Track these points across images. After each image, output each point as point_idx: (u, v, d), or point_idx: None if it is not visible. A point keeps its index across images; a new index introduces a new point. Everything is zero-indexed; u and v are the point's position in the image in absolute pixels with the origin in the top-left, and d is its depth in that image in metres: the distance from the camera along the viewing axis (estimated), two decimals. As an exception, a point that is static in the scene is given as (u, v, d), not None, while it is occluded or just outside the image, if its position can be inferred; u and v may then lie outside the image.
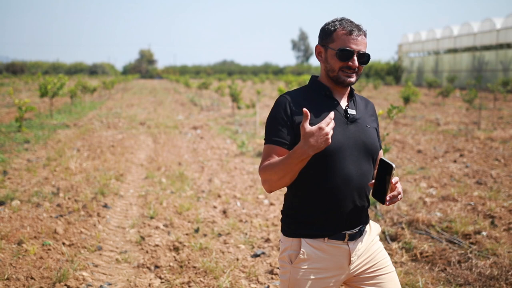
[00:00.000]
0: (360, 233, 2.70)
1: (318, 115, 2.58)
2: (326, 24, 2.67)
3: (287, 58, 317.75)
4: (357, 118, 2.69)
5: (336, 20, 2.64)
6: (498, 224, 6.52)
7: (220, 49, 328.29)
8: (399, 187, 2.53)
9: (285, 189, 8.69)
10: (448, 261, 5.42)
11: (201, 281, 4.93)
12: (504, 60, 43.70)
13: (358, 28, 2.62)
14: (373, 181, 2.52)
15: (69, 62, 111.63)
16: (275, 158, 2.54)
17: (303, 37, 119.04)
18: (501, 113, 22.13)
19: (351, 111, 2.69)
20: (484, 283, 4.83)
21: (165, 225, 6.64)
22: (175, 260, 5.46)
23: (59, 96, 20.05)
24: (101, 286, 4.80)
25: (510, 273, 4.96)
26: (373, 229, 2.83)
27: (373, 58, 78.95)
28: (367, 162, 2.65)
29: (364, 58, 2.62)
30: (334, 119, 2.56)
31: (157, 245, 5.88)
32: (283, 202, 2.69)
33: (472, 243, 5.94)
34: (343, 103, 2.71)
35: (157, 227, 6.55)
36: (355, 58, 2.59)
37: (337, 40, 2.60)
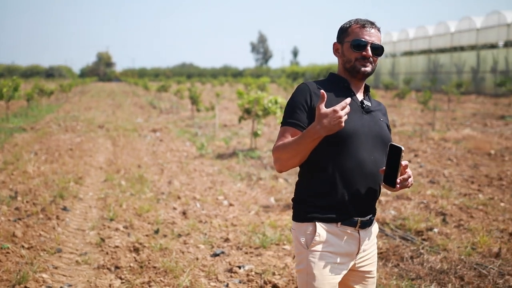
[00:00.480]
0: (371, 222, 2.76)
1: (336, 102, 2.63)
2: (343, 25, 2.83)
3: (246, 60, 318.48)
4: (372, 110, 2.79)
5: (352, 20, 2.81)
6: (449, 221, 6.77)
7: (179, 52, 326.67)
8: (409, 171, 2.60)
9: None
10: (401, 257, 5.62)
11: (161, 280, 5.00)
12: (458, 62, 44.73)
13: (371, 23, 2.78)
14: (384, 168, 2.58)
15: (24, 64, 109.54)
16: (289, 139, 2.62)
17: (262, 39, 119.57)
18: (455, 114, 22.70)
19: (367, 103, 2.80)
20: (434, 277, 5.03)
21: (125, 227, 6.69)
22: (135, 260, 5.52)
23: (15, 99, 19.78)
24: (61, 287, 4.83)
25: (459, 267, 5.18)
26: (374, 228, 2.89)
27: (332, 61, 79.78)
28: (380, 151, 2.72)
29: (378, 50, 2.74)
30: (351, 107, 2.61)
31: (117, 247, 5.93)
32: (294, 191, 2.77)
33: (424, 239, 6.16)
34: (359, 96, 2.81)
35: (117, 229, 6.59)
36: (369, 48, 2.71)
37: (351, 34, 2.75)
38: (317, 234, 2.63)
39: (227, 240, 6.23)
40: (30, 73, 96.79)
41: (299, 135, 2.54)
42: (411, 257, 5.57)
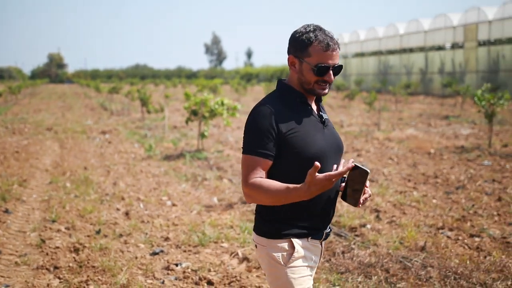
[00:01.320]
0: (330, 232, 2.81)
1: (299, 122, 2.64)
2: (299, 34, 2.66)
3: (200, 62, 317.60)
4: (328, 122, 2.79)
5: (310, 31, 2.63)
6: (383, 218, 7.07)
7: (133, 53, 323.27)
8: (368, 189, 2.62)
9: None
10: (333, 252, 5.87)
11: (99, 279, 5.12)
12: (407, 64, 45.79)
13: (332, 39, 2.63)
14: (343, 184, 2.56)
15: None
16: (265, 180, 2.55)
17: (216, 41, 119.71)
18: (402, 114, 23.30)
19: (324, 115, 2.77)
20: (362, 270, 5.30)
21: (67, 228, 6.76)
22: (75, 260, 5.62)
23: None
24: (-2, 288, 4.90)
25: (385, 260, 5.46)
26: None
27: (285, 62, 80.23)
28: (339, 159, 2.75)
29: (339, 70, 2.69)
30: (312, 124, 2.67)
31: (57, 247, 6.01)
32: (261, 207, 2.74)
33: (357, 235, 6.43)
34: (314, 107, 2.78)
35: (58, 230, 6.66)
36: (331, 72, 2.64)
37: (313, 55, 2.61)
38: (296, 250, 2.65)
39: (167, 239, 6.38)
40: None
41: (286, 187, 2.48)
42: (343, 252, 5.83)
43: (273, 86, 43.60)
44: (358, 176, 2.45)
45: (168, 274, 5.30)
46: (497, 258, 5.43)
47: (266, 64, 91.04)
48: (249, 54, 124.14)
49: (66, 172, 10.37)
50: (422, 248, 5.81)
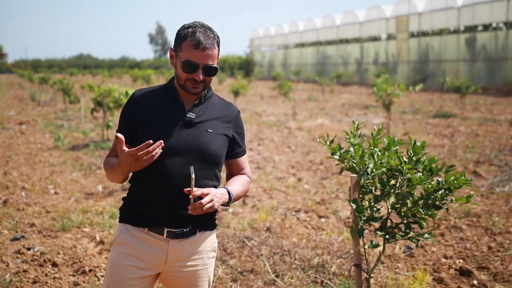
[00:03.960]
0: (184, 234, 2.73)
1: (157, 113, 2.71)
2: (181, 28, 2.69)
3: (144, 52, 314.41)
4: (196, 122, 2.72)
5: (190, 27, 2.64)
6: (249, 202, 7.48)
7: (77, 43, 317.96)
8: (205, 200, 2.52)
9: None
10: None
11: None
12: (344, 54, 46.72)
13: (208, 39, 2.62)
14: (189, 188, 2.53)
15: None
16: (112, 159, 2.71)
17: (160, 30, 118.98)
18: (326, 104, 23.89)
19: (190, 115, 2.72)
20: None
21: None
22: None
23: None
24: None
25: (227, 240, 5.85)
26: (209, 243, 2.87)
27: (227, 52, 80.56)
28: (201, 164, 2.68)
29: (211, 71, 2.66)
30: (172, 120, 2.69)
31: None
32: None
33: (215, 219, 6.79)
34: (188, 105, 2.75)
35: None
36: (200, 71, 2.63)
37: (184, 51, 2.62)
38: (118, 235, 2.76)
39: (32, 225, 6.61)
40: None
41: (117, 162, 2.58)
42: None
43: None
44: (191, 180, 2.49)
45: (17, 257, 5.55)
46: (327, 236, 5.89)
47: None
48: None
49: (-38, 163, 10.44)
50: (267, 229, 6.22)
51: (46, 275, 5.12)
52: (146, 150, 2.45)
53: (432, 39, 36.94)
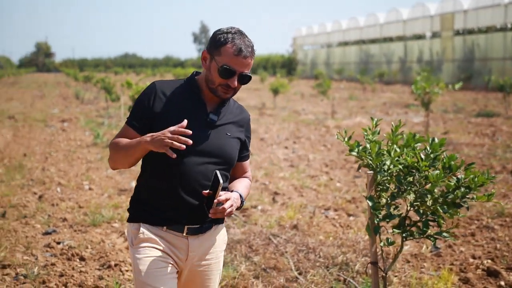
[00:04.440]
0: (202, 229, 2.76)
1: (179, 108, 2.70)
2: (218, 32, 2.68)
3: (189, 51, 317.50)
4: (218, 125, 2.75)
5: (230, 32, 2.65)
6: (278, 200, 7.44)
7: (123, 43, 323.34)
8: (227, 205, 2.55)
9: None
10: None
11: (-20, 255, 5.48)
12: (387, 53, 46.17)
13: (248, 47, 2.64)
14: (208, 190, 2.55)
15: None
16: (124, 139, 2.69)
17: (204, 30, 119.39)
18: (367, 103, 23.65)
19: (213, 117, 2.73)
20: (228, 246, 5.66)
21: (-25, 210, 7.10)
22: (-33, 239, 5.96)
23: None
24: None
25: (253, 237, 5.84)
26: (221, 236, 2.91)
27: (270, 51, 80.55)
28: (216, 167, 2.69)
29: (245, 79, 2.67)
30: (194, 120, 2.65)
31: (-44, 228, 6.35)
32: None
33: (245, 215, 6.80)
34: (210, 107, 2.76)
35: (-34, 212, 7.00)
36: (236, 78, 2.63)
37: (223, 56, 2.61)
38: (140, 232, 2.72)
39: (65, 220, 6.73)
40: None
41: (132, 141, 2.61)
42: (222, 231, 6.19)
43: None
44: (215, 183, 2.50)
45: (47, 251, 5.66)
46: (354, 235, 5.82)
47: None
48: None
49: (4, 159, 10.70)
50: (294, 226, 6.18)
51: (73, 268, 5.20)
52: (178, 135, 2.47)
53: (478, 37, 36.13)
